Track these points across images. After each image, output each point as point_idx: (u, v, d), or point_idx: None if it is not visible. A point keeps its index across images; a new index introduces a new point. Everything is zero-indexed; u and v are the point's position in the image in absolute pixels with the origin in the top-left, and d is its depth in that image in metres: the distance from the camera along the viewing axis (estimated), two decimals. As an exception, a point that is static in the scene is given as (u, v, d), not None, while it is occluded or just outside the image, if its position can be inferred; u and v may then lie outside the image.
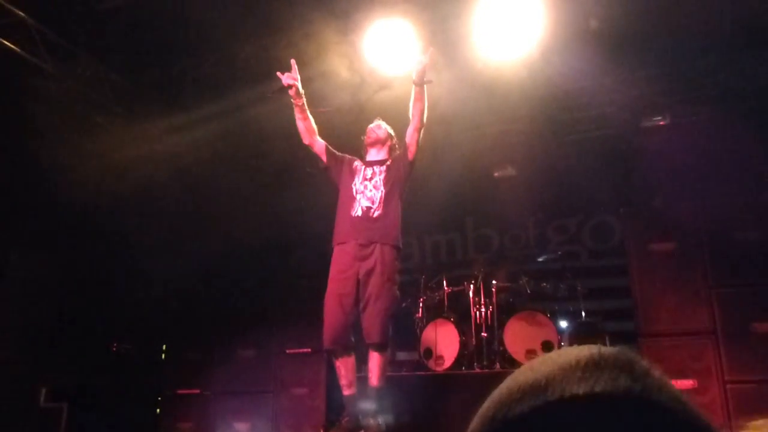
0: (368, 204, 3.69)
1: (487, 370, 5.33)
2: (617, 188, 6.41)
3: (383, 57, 4.83)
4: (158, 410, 6.42)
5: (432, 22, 4.83)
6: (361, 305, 3.50)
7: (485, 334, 5.56)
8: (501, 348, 5.45)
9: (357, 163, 3.96)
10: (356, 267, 3.55)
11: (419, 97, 3.79)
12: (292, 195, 6.60)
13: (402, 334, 5.44)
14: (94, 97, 5.69)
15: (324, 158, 3.94)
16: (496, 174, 7.08)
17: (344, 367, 3.55)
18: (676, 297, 4.85)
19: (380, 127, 4.08)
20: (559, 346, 5.29)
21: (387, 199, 3.71)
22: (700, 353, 4.61)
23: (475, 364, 5.48)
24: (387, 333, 3.51)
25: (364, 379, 3.64)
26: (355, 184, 3.81)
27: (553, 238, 7.22)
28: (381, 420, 3.51)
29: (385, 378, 3.57)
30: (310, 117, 3.97)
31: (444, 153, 6.53)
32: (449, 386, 5.08)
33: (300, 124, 3.94)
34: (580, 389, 0.52)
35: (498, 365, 5.40)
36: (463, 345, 5.49)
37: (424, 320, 5.84)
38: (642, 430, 0.50)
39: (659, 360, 4.71)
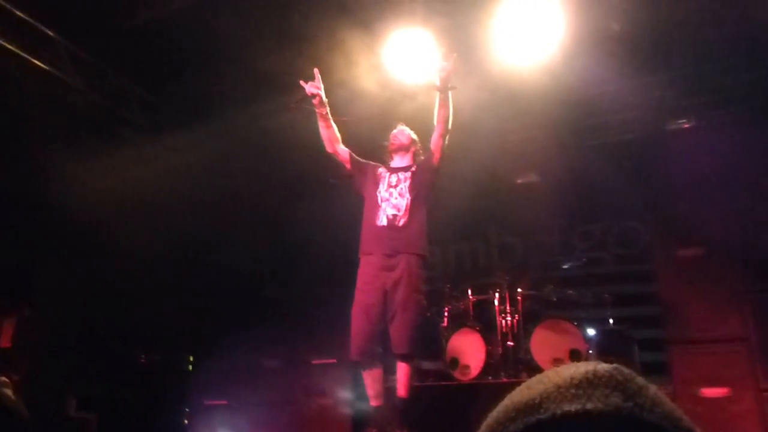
0: (394, 212, 3.66)
1: (514, 380, 5.27)
2: (642, 193, 6.31)
3: (405, 65, 4.84)
4: (186, 421, 6.46)
5: (452, 29, 4.83)
6: (389, 316, 3.48)
7: (511, 343, 5.51)
8: (528, 357, 5.38)
9: (381, 170, 3.94)
10: (383, 278, 3.53)
11: (443, 104, 3.78)
12: (314, 204, 6.62)
13: (427, 343, 5.41)
14: (120, 112, 5.80)
15: (348, 165, 3.95)
16: (518, 181, 7.03)
17: (371, 378, 3.54)
18: (706, 303, 4.76)
19: (403, 133, 4.06)
20: (587, 355, 5.22)
21: (413, 207, 3.67)
22: (733, 361, 4.51)
23: (502, 373, 5.42)
24: (415, 343, 3.49)
25: (390, 389, 3.62)
26: (379, 192, 3.78)
27: (578, 244, 7.14)
28: (408, 431, 3.49)
29: (412, 388, 3.55)
30: (334, 126, 3.98)
31: (466, 160, 6.49)
32: (476, 396, 5.03)
33: (323, 133, 3.95)
34: (572, 407, 0.52)
35: (525, 374, 5.33)
36: (489, 354, 5.44)
37: (450, 329, 5.80)
38: None
39: (691, 368, 4.63)
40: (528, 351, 5.36)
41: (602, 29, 4.75)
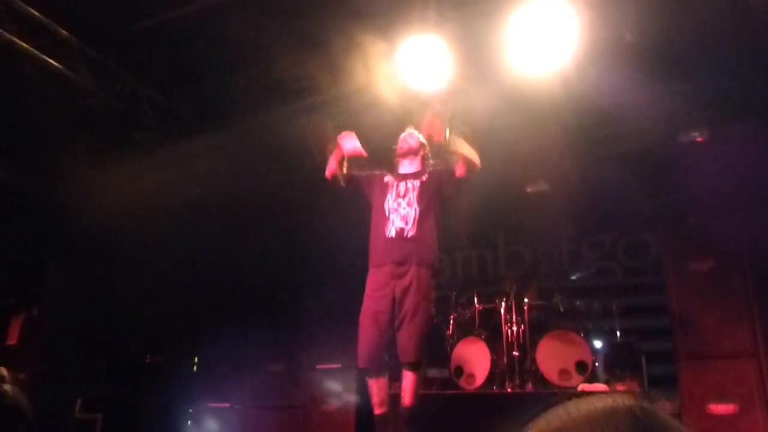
0: (402, 224, 3.57)
1: (519, 390, 5.24)
2: (653, 204, 6.27)
3: (419, 73, 4.83)
4: (189, 422, 6.47)
5: (466, 38, 4.82)
6: (397, 323, 3.45)
7: (517, 353, 5.47)
8: (533, 367, 5.34)
9: (388, 179, 3.85)
10: (392, 285, 3.50)
11: (457, 152, 3.65)
12: (323, 210, 6.62)
13: (432, 351, 5.39)
14: (134, 115, 5.82)
15: (346, 191, 3.88)
16: (528, 189, 6.99)
17: (377, 385, 3.51)
18: (716, 317, 4.71)
19: (412, 136, 3.97)
20: (593, 366, 5.17)
21: (422, 218, 3.59)
22: (741, 376, 4.46)
23: (507, 383, 5.38)
24: (422, 352, 3.46)
25: (395, 397, 3.60)
26: (387, 202, 3.71)
27: (587, 254, 7.10)
28: (412, 439, 3.47)
29: (418, 397, 3.53)
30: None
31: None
32: (480, 406, 5.01)
33: (333, 164, 3.85)
34: None
35: (530, 385, 5.30)
36: (494, 363, 5.41)
37: (455, 337, 5.77)
38: None
39: (699, 382, 4.58)
40: (534, 361, 5.32)
41: (616, 39, 4.72)
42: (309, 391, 5.94)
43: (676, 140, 5.93)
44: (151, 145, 6.07)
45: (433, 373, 6.06)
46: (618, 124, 6.15)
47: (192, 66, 5.62)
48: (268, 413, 6.01)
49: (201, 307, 6.62)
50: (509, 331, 5.61)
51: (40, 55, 5.01)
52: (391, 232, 3.58)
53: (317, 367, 5.96)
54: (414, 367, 3.47)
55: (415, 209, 3.61)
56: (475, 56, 4.90)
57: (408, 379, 3.47)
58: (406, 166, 3.91)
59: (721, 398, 4.40)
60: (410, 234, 3.55)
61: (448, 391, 5.43)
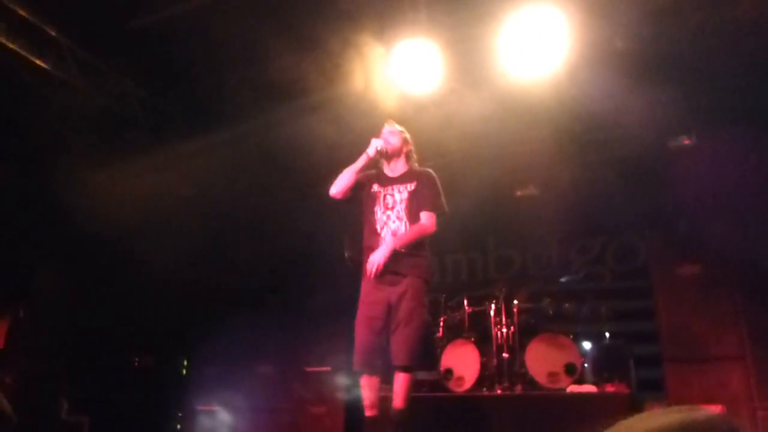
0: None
1: (508, 393, 5.26)
2: (642, 209, 6.32)
3: (412, 76, 4.85)
4: (179, 425, 6.43)
5: (458, 42, 4.85)
6: (392, 327, 3.47)
7: (506, 356, 5.49)
8: (522, 370, 5.37)
9: (375, 187, 3.72)
10: (387, 292, 3.49)
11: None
12: (315, 212, 6.62)
13: (422, 353, 5.39)
14: (123, 114, 5.79)
15: (348, 196, 3.73)
16: (518, 193, 7.04)
17: (369, 387, 3.52)
18: (703, 321, 4.76)
19: (393, 134, 3.75)
20: (582, 369, 5.21)
21: None
22: (728, 379, 4.51)
23: (496, 385, 5.40)
24: (415, 356, 3.46)
25: (386, 399, 3.61)
26: (377, 214, 3.62)
27: (576, 258, 7.14)
28: (401, 442, 3.47)
29: (409, 400, 3.53)
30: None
31: (466, 171, 6.51)
32: (470, 408, 5.02)
33: (350, 178, 3.64)
34: None
35: (519, 387, 5.32)
36: (483, 366, 5.43)
37: (445, 340, 5.79)
38: None
39: (686, 385, 4.62)
40: (523, 364, 5.35)
41: (606, 45, 4.77)
42: (298, 393, 5.92)
43: (665, 146, 6.00)
44: (142, 145, 6.04)
45: (422, 375, 6.07)
46: (608, 129, 6.22)
47: (184, 66, 5.60)
48: (257, 416, 5.99)
49: (190, 308, 6.59)
50: (498, 333, 5.64)
51: (29, 56, 4.98)
52: None
53: (306, 369, 5.95)
54: (407, 370, 3.47)
55: (405, 223, 3.55)
56: (467, 61, 4.93)
57: (400, 382, 3.47)
58: (391, 168, 3.77)
59: (708, 400, 4.44)
60: (404, 249, 3.52)
61: (437, 394, 5.44)
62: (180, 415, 6.43)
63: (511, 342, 5.59)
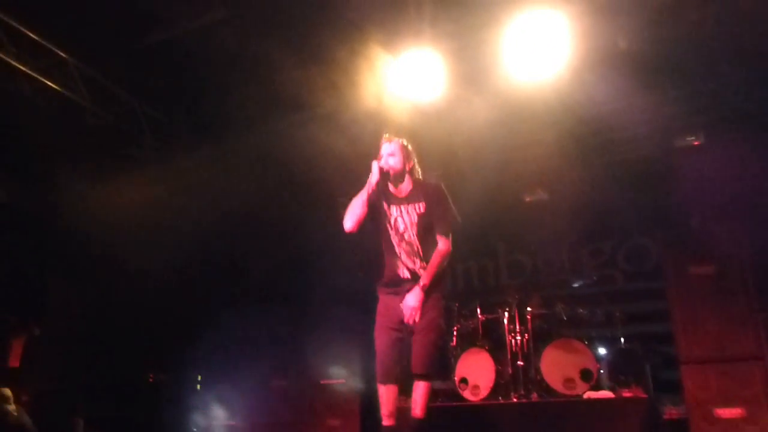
0: (412, 265, 3.50)
1: (525, 400, 5.22)
2: (652, 210, 6.29)
3: (416, 86, 4.86)
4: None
5: (461, 49, 4.86)
6: (411, 337, 3.47)
7: (521, 363, 5.45)
8: (538, 377, 5.33)
9: (384, 206, 3.59)
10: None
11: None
12: (323, 224, 6.64)
13: (440, 362, 5.37)
14: (131, 132, 5.85)
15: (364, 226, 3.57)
16: (527, 198, 7.02)
17: (388, 395, 3.50)
18: (719, 321, 4.70)
19: (395, 155, 3.55)
20: (598, 374, 5.16)
21: (425, 250, 3.48)
22: (748, 380, 4.43)
23: (512, 393, 5.36)
24: (434, 364, 3.45)
25: (403, 410, 3.59)
26: (393, 239, 3.54)
27: (588, 262, 7.10)
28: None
29: (428, 409, 3.52)
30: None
31: (474, 178, 6.51)
32: (486, 417, 4.98)
33: (361, 209, 3.47)
34: None
35: (535, 395, 5.28)
36: (498, 374, 5.39)
37: (459, 349, 5.76)
38: None
39: (704, 388, 4.56)
40: (538, 371, 5.31)
41: (610, 47, 4.76)
42: (313, 406, 5.91)
43: (673, 145, 5.97)
44: (150, 162, 6.09)
45: (437, 385, 6.05)
46: (614, 131, 6.20)
47: (189, 83, 5.65)
48: (273, 430, 5.97)
49: (203, 323, 6.60)
50: (513, 341, 5.60)
51: (39, 77, 5.05)
52: (405, 272, 3.50)
53: (321, 382, 5.94)
54: (426, 378, 3.46)
55: (418, 247, 3.50)
56: (472, 67, 4.94)
57: (420, 390, 3.45)
58: (397, 187, 3.61)
59: (728, 402, 4.38)
60: (422, 270, 3.50)
61: (453, 403, 5.41)
62: (195, 430, 6.43)
63: (525, 349, 5.55)
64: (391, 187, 3.62)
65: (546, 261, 7.37)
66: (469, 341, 5.82)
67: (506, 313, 5.70)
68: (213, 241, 6.71)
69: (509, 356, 5.53)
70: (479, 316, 5.91)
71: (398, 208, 3.57)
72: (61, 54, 5.10)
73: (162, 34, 5.01)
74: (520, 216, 7.05)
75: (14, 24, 4.75)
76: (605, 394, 5.04)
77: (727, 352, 4.59)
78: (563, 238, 7.19)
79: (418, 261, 3.52)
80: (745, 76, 5.41)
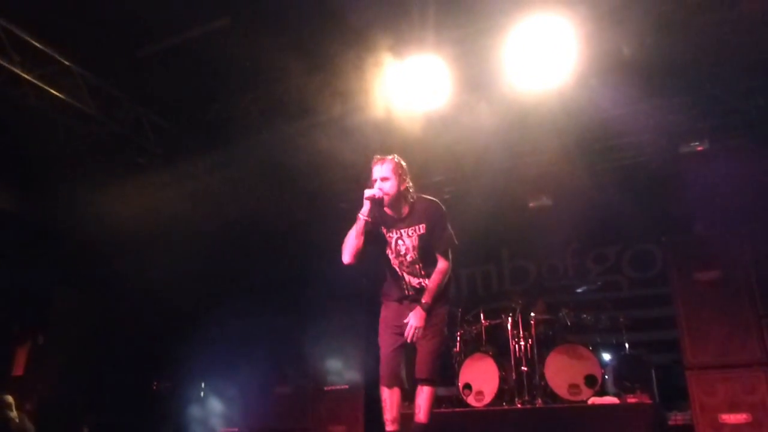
0: (416, 282, 3.51)
1: (529, 406, 5.19)
2: (656, 216, 6.28)
3: (421, 92, 4.87)
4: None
5: (465, 56, 4.87)
6: (414, 344, 3.47)
7: (525, 368, 5.43)
8: (542, 383, 5.31)
9: (383, 231, 3.51)
10: (409, 311, 3.50)
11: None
12: (327, 231, 6.65)
13: (442, 368, 5.36)
14: (136, 139, 5.87)
15: (363, 257, 3.47)
16: (531, 204, 7.01)
17: (391, 400, 3.50)
18: (725, 327, 4.69)
19: (386, 179, 3.38)
20: (603, 380, 5.14)
21: (427, 267, 3.46)
22: (753, 386, 4.42)
23: (516, 399, 5.34)
24: (437, 369, 3.46)
25: (407, 416, 3.58)
26: (395, 263, 3.52)
27: (592, 268, 7.08)
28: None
29: (432, 414, 3.52)
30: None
31: (478, 184, 6.52)
32: (490, 423, 4.97)
33: (356, 242, 3.37)
34: None
35: (540, 401, 5.25)
36: (502, 380, 5.37)
37: (462, 354, 5.74)
38: None
39: (710, 393, 4.54)
40: (543, 376, 5.29)
41: (614, 53, 4.76)
42: (316, 412, 5.90)
43: (677, 152, 5.96)
44: (155, 169, 6.10)
45: (441, 391, 6.03)
46: (618, 137, 6.19)
47: (194, 90, 5.67)
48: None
49: (207, 331, 6.61)
50: (517, 346, 5.58)
51: (44, 85, 5.08)
52: (410, 290, 3.53)
53: (324, 388, 5.93)
54: (429, 383, 3.47)
55: (420, 266, 3.48)
56: (476, 74, 4.95)
57: (423, 395, 3.45)
58: (393, 210, 3.48)
59: (733, 408, 4.36)
60: (426, 284, 3.50)
61: (457, 409, 5.40)
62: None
63: (529, 355, 5.53)
64: (388, 210, 3.50)
65: (550, 267, 7.36)
66: (472, 347, 5.81)
67: (510, 319, 5.69)
68: (217, 249, 6.72)
69: (513, 362, 5.51)
70: (483, 321, 5.90)
71: (397, 231, 3.49)
72: (66, 62, 5.13)
73: (166, 42, 5.04)
74: (524, 222, 7.04)
75: (19, 32, 4.78)
76: (610, 400, 5.01)
77: (733, 357, 4.57)
78: (567, 243, 7.18)
79: (421, 280, 3.52)
80: (749, 82, 5.40)
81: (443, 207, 3.55)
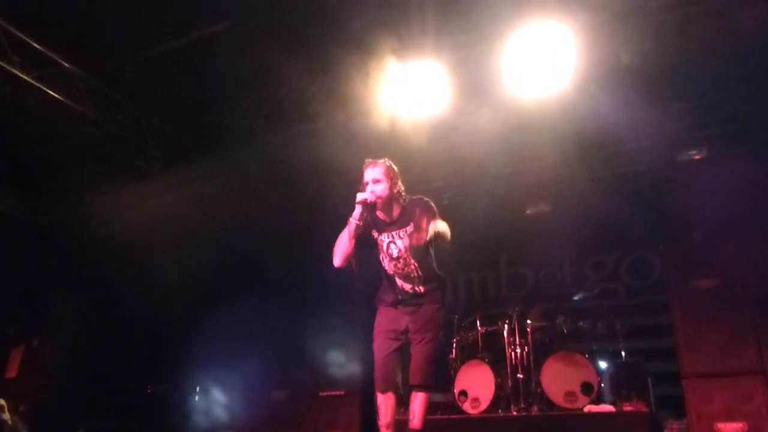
0: (410, 285, 3.48)
1: (525, 413, 5.18)
2: (654, 224, 6.27)
3: (420, 98, 4.87)
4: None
5: (464, 63, 4.88)
6: (410, 349, 3.46)
7: (521, 376, 5.42)
8: (538, 390, 5.30)
9: (375, 234, 3.50)
10: (404, 318, 3.49)
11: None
12: (325, 235, 6.63)
13: (437, 374, 5.34)
14: (134, 142, 5.86)
15: (354, 260, 3.45)
16: (529, 211, 7.01)
17: (386, 405, 3.49)
18: (722, 335, 4.69)
19: (378, 181, 3.38)
20: (599, 388, 5.12)
21: (423, 269, 3.45)
22: (749, 394, 4.42)
23: (512, 406, 5.33)
24: (432, 375, 3.44)
25: (401, 423, 3.57)
26: (388, 266, 3.49)
27: (590, 275, 7.08)
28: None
29: (426, 420, 3.50)
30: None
31: (476, 190, 6.51)
32: (486, 430, 4.96)
33: (347, 245, 3.36)
34: None
35: (536, 408, 5.24)
36: (498, 387, 5.36)
37: (458, 361, 5.73)
38: None
39: (706, 402, 4.54)
40: (539, 384, 5.28)
41: (613, 61, 4.77)
42: (312, 418, 5.88)
43: (675, 160, 5.97)
44: (153, 172, 6.10)
45: (436, 397, 6.01)
46: (617, 144, 6.19)
47: (194, 93, 5.67)
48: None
49: (202, 335, 6.59)
50: (513, 353, 5.57)
51: (43, 87, 5.08)
52: (403, 293, 3.52)
53: (321, 394, 5.91)
54: (424, 389, 3.45)
55: (414, 267, 3.44)
56: (475, 81, 4.95)
57: (418, 401, 3.44)
58: (385, 212, 3.47)
59: (729, 417, 4.35)
60: (420, 289, 3.50)
61: (452, 416, 5.38)
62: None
63: (525, 362, 5.51)
64: (380, 214, 3.48)
65: (547, 274, 7.35)
66: (468, 353, 5.80)
67: (507, 326, 5.68)
68: (215, 252, 6.71)
69: (509, 369, 5.50)
70: (479, 328, 5.89)
71: (389, 234, 3.46)
72: (66, 64, 5.13)
73: (166, 44, 5.04)
74: (522, 228, 7.03)
75: (18, 34, 4.78)
76: (606, 407, 5.00)
77: (729, 366, 4.57)
78: (565, 250, 7.17)
79: (416, 283, 3.50)
80: (747, 90, 5.41)
81: (431, 202, 3.47)
